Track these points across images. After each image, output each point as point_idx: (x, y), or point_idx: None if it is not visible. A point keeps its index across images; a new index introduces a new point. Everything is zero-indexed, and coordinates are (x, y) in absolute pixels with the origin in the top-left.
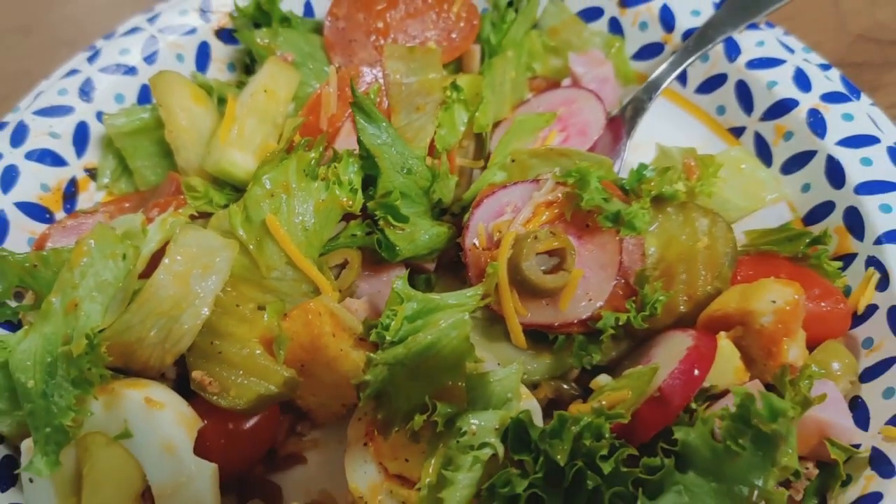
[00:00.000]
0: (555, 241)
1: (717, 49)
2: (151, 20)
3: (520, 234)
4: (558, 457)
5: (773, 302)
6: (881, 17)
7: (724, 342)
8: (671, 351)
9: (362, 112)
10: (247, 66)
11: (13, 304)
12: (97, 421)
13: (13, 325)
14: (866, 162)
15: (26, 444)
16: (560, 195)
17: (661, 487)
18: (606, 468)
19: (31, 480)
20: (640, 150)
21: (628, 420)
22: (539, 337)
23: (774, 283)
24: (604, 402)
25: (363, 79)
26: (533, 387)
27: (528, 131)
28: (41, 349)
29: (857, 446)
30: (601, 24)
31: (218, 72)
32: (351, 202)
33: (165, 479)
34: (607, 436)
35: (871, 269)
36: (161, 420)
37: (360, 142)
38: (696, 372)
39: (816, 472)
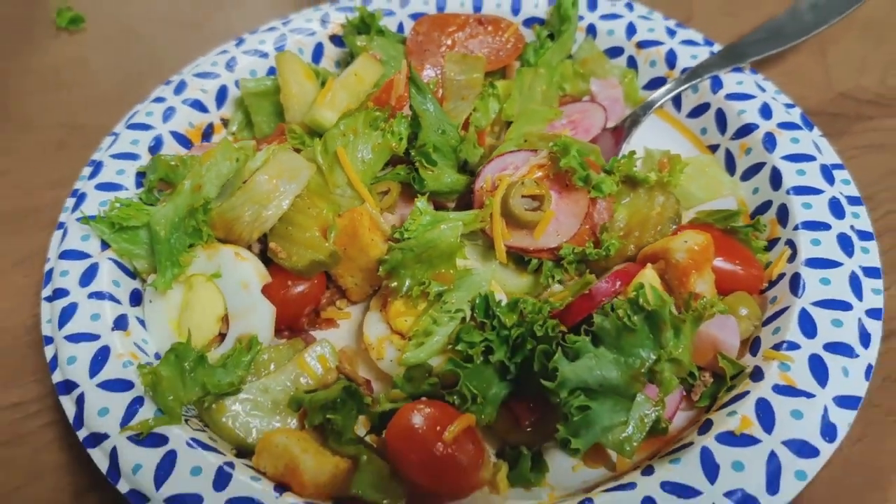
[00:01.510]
0: (536, 189)
1: (705, 84)
2: (285, 23)
3: (512, 181)
4: (507, 321)
5: (686, 242)
6: (864, 83)
7: (649, 270)
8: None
9: (415, 84)
10: (348, 64)
11: (157, 195)
12: (200, 265)
13: None
14: (801, 173)
15: (152, 276)
16: (549, 161)
17: (578, 355)
18: (539, 332)
19: (150, 301)
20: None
21: (562, 308)
22: (520, 261)
23: (690, 230)
24: (550, 299)
25: (426, 73)
26: None
27: (538, 119)
28: (172, 212)
29: None
30: (621, 60)
31: (327, 66)
32: (397, 146)
33: (239, 306)
34: (545, 313)
35: (787, 247)
36: (243, 267)
37: (410, 105)
38: (619, 283)
39: (711, 380)
